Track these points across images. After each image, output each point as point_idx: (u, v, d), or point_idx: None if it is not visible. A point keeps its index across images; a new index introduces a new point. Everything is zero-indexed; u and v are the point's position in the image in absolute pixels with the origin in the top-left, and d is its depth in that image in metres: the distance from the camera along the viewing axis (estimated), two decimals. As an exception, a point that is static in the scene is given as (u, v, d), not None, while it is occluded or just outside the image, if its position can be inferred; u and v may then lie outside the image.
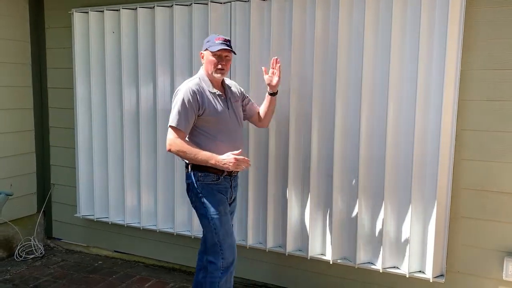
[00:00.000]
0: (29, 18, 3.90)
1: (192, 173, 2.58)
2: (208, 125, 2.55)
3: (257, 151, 3.15)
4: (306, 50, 2.96)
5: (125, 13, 3.46)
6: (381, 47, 2.76)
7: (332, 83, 2.89)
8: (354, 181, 2.91)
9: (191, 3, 3.20)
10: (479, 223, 2.70)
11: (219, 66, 2.56)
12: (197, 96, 2.51)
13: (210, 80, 2.61)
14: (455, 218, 2.75)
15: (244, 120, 2.86)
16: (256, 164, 3.16)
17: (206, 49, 2.59)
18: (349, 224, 2.97)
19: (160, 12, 3.33)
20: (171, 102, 2.62)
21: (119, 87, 3.56)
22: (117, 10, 3.50)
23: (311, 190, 3.01)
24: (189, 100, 2.48)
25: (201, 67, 2.66)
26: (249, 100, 2.88)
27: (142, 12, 3.39)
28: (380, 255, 2.87)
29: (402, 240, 2.85)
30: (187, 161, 2.59)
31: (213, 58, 2.56)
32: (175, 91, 2.59)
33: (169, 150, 2.53)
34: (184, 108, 2.48)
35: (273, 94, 2.80)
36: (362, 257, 2.95)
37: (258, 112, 2.88)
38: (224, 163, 2.46)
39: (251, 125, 3.10)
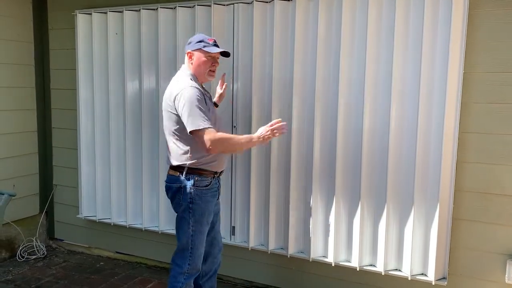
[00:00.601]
0: (32, 20, 3.92)
1: (186, 177, 2.50)
2: None
3: (259, 152, 3.15)
4: (308, 51, 2.96)
5: (128, 15, 3.47)
6: (384, 49, 2.76)
7: (335, 84, 2.89)
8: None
9: (194, 5, 3.21)
10: (481, 226, 2.70)
11: (212, 68, 2.51)
12: (202, 93, 2.43)
13: (198, 81, 2.55)
14: (457, 220, 2.74)
15: None
16: (258, 165, 3.16)
17: (199, 49, 2.49)
18: (351, 226, 2.97)
19: (163, 13, 3.33)
20: (170, 107, 2.48)
21: (122, 89, 3.57)
22: (120, 12, 3.51)
23: (313, 192, 3.00)
24: (199, 98, 2.39)
25: (185, 67, 2.55)
26: None
27: (145, 13, 3.40)
28: (382, 258, 2.87)
29: (404, 242, 2.84)
30: (184, 164, 2.49)
31: (207, 60, 2.49)
32: (177, 94, 2.42)
33: (211, 150, 2.36)
34: (200, 106, 2.37)
35: (216, 106, 2.87)
36: (364, 259, 2.95)
37: None
38: (266, 137, 2.41)
39: (254, 127, 3.10)
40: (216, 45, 2.52)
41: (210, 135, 2.35)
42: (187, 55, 2.55)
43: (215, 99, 2.89)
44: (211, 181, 2.54)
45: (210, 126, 2.37)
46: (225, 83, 2.91)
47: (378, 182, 2.85)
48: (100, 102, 3.67)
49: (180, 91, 2.42)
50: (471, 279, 2.75)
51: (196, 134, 2.38)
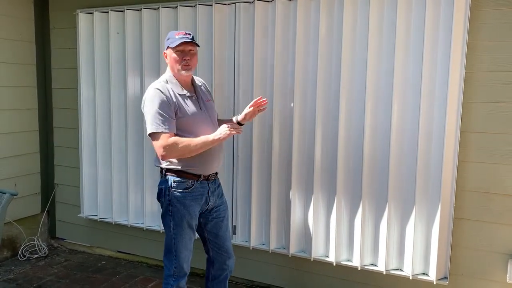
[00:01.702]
0: (34, 19, 3.92)
1: (166, 179, 2.47)
2: (181, 129, 2.39)
3: (260, 152, 3.15)
4: (309, 51, 2.96)
5: (129, 14, 3.47)
6: (386, 48, 2.76)
7: (336, 83, 2.89)
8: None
9: (196, 4, 3.21)
10: (483, 226, 2.69)
11: (184, 62, 2.40)
12: (167, 96, 2.36)
13: (178, 81, 2.47)
14: (459, 220, 2.74)
15: None
16: (259, 165, 3.16)
17: (168, 47, 2.44)
18: (353, 225, 2.97)
19: (164, 13, 3.33)
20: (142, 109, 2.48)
21: (124, 88, 3.57)
22: (121, 11, 3.51)
23: (314, 191, 3.01)
24: (162, 99, 2.34)
25: (167, 69, 2.52)
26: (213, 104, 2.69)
27: (146, 13, 3.40)
28: (384, 257, 2.87)
29: (406, 242, 2.84)
30: (162, 166, 2.46)
31: (176, 55, 2.41)
32: (143, 99, 2.44)
33: (164, 157, 2.35)
34: (161, 108, 2.33)
35: (240, 124, 2.63)
36: (365, 259, 2.95)
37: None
38: (222, 135, 2.35)
39: (255, 126, 3.11)
40: (184, 36, 2.41)
41: (162, 141, 2.31)
42: (164, 56, 2.51)
43: (239, 117, 2.64)
44: (193, 184, 2.46)
45: (164, 131, 2.31)
46: (261, 108, 2.63)
47: (379, 181, 2.85)
48: (102, 101, 3.68)
49: (146, 93, 2.44)
50: (472, 279, 2.75)
51: (151, 138, 2.36)
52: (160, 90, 2.38)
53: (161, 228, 3.53)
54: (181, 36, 2.42)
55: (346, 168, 2.93)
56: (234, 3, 3.12)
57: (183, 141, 2.35)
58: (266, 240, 3.22)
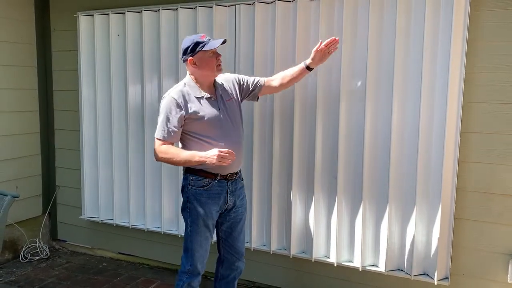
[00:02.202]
0: (35, 21, 3.92)
1: (185, 176, 2.55)
2: (200, 131, 2.46)
3: (261, 153, 3.16)
4: (310, 52, 2.93)
5: (130, 16, 3.48)
6: (386, 49, 2.76)
7: (336, 85, 2.89)
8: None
9: (196, 6, 3.22)
10: (484, 226, 2.70)
11: (217, 62, 2.47)
12: (180, 104, 2.42)
13: (200, 84, 2.50)
14: (459, 220, 2.74)
15: (256, 98, 2.77)
16: (260, 166, 3.17)
17: (198, 51, 2.42)
18: (353, 226, 2.97)
19: (165, 15, 3.34)
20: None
21: (124, 90, 3.57)
22: (122, 13, 3.51)
23: (315, 192, 3.01)
24: (171, 109, 2.42)
25: (187, 75, 2.54)
26: (249, 80, 2.71)
27: (147, 15, 3.41)
28: (385, 258, 2.87)
29: (407, 242, 2.84)
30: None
31: (213, 56, 2.45)
32: (162, 98, 2.52)
33: (157, 159, 2.51)
34: (168, 118, 2.42)
35: (309, 69, 2.64)
36: (366, 259, 2.95)
37: (268, 81, 2.73)
38: (208, 158, 2.35)
39: (255, 129, 3.11)
40: (210, 39, 2.47)
41: (156, 146, 2.47)
42: (189, 62, 2.48)
43: (307, 61, 2.62)
44: (210, 183, 2.50)
45: (162, 139, 2.45)
46: (332, 47, 2.59)
47: (380, 182, 2.85)
48: (103, 103, 3.68)
49: (163, 98, 2.52)
50: (473, 279, 2.75)
51: (155, 141, 2.50)
52: (175, 99, 2.44)
53: (162, 229, 3.54)
54: (207, 38, 2.45)
55: (347, 168, 2.93)
56: (234, 4, 3.12)
57: (170, 153, 2.45)
58: (267, 241, 3.23)
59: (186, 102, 2.45)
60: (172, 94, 2.47)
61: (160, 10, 3.33)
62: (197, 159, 2.40)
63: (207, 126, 2.47)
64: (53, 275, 3.63)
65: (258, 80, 2.74)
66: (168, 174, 3.45)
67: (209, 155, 2.37)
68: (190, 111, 2.44)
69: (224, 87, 2.61)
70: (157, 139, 2.47)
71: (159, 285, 3.46)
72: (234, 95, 2.63)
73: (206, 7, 3.20)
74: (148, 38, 3.43)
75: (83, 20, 3.67)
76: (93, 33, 3.64)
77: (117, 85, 3.60)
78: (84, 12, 3.67)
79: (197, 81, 2.51)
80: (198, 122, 2.45)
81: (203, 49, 2.42)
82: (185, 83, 2.51)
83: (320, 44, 2.59)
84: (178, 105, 2.43)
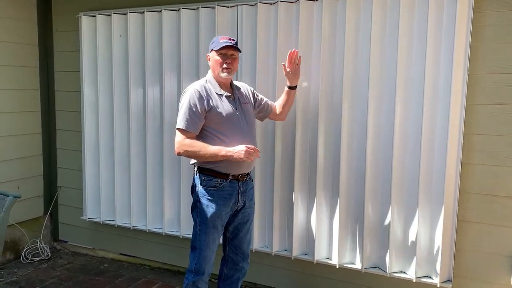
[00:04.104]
0: (37, 22, 3.93)
1: (196, 176, 2.57)
2: (216, 127, 2.50)
3: (263, 154, 3.15)
4: (312, 53, 2.96)
5: (132, 17, 3.48)
6: (388, 51, 2.76)
7: (338, 86, 2.89)
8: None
9: (198, 7, 3.22)
10: (487, 228, 2.68)
11: (225, 65, 2.52)
12: (203, 97, 2.48)
13: (218, 82, 2.57)
14: (462, 222, 2.73)
15: (262, 119, 2.87)
16: (262, 167, 3.16)
17: (212, 50, 2.57)
18: (356, 228, 2.96)
19: (167, 16, 3.34)
20: (178, 103, 2.62)
21: (126, 90, 3.57)
22: (124, 14, 3.51)
23: (317, 194, 3.00)
24: (194, 101, 2.46)
25: (209, 71, 2.64)
26: (263, 99, 2.83)
27: (149, 16, 3.41)
28: (387, 260, 2.86)
29: (409, 244, 2.83)
30: (195, 163, 2.56)
31: (219, 58, 2.53)
32: (182, 93, 2.58)
33: (179, 153, 2.48)
34: (191, 109, 2.45)
35: (293, 88, 2.78)
36: (368, 261, 2.94)
37: (275, 107, 2.86)
38: (236, 152, 2.40)
39: (258, 130, 3.10)
40: (228, 41, 2.52)
41: (180, 139, 2.46)
42: (207, 58, 2.64)
43: (287, 84, 2.77)
44: (221, 183, 2.52)
45: (187, 130, 2.44)
46: (295, 60, 2.69)
47: (382, 184, 2.84)
48: (104, 104, 3.68)
49: (184, 90, 2.58)
50: (476, 282, 2.74)
51: (176, 133, 2.49)
52: (198, 91, 2.49)
53: (163, 230, 3.53)
54: (225, 40, 2.53)
55: (349, 170, 2.92)
56: (237, 5, 3.12)
57: (196, 146, 2.44)
58: (269, 242, 3.22)
59: (208, 96, 2.50)
60: (195, 86, 2.52)
61: (162, 11, 3.33)
62: (224, 153, 2.42)
63: (224, 123, 2.51)
64: (54, 275, 3.63)
65: (269, 102, 2.85)
66: (170, 174, 3.45)
67: (237, 150, 2.40)
68: (211, 104, 2.49)
69: (241, 91, 2.70)
70: (180, 130, 2.46)
71: (160, 286, 3.45)
72: (251, 100, 2.72)
73: (209, 8, 3.20)
74: (150, 39, 3.42)
75: (85, 21, 3.67)
76: (95, 33, 3.64)
77: (119, 85, 3.60)
78: (86, 13, 3.67)
79: (216, 79, 2.58)
80: (216, 117, 2.49)
81: (214, 49, 2.55)
82: (206, 80, 2.58)
83: (285, 68, 2.70)
84: (201, 98, 2.47)
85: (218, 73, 2.54)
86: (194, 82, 2.64)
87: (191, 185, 2.65)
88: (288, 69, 2.70)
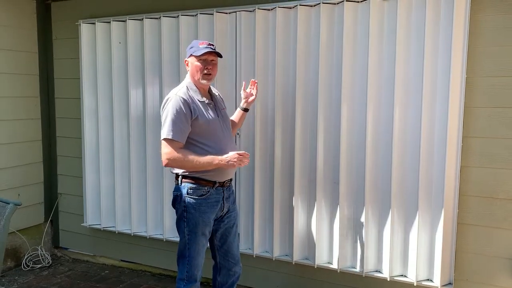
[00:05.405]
0: (37, 29, 3.95)
1: (182, 186, 2.49)
2: (199, 135, 2.44)
3: (263, 159, 3.16)
4: (311, 58, 2.97)
5: (131, 24, 3.50)
6: (386, 55, 2.77)
7: (337, 90, 2.90)
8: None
9: (197, 14, 3.23)
10: (487, 231, 2.69)
11: (205, 71, 2.46)
12: (189, 104, 2.41)
13: (198, 88, 2.52)
14: (462, 225, 2.73)
15: None
16: (262, 172, 3.17)
17: (191, 55, 2.50)
18: (356, 232, 2.96)
19: (166, 22, 3.36)
20: (160, 113, 2.52)
21: (126, 97, 3.59)
22: (123, 21, 3.53)
23: (317, 198, 3.00)
24: (181, 109, 2.38)
25: (186, 76, 2.57)
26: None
27: (148, 22, 3.42)
28: (388, 263, 2.86)
29: (410, 248, 2.83)
30: (179, 172, 2.49)
31: (199, 64, 2.46)
32: (164, 102, 2.47)
33: (167, 165, 2.42)
34: (178, 118, 2.37)
35: (246, 110, 2.84)
36: (369, 265, 2.94)
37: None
38: (228, 161, 2.38)
39: (256, 135, 3.11)
40: (208, 47, 2.47)
41: (169, 150, 2.38)
42: (185, 63, 2.57)
43: (242, 104, 2.84)
44: (208, 191, 2.49)
45: (177, 140, 2.37)
46: (253, 86, 2.84)
47: (382, 187, 2.85)
48: (104, 111, 3.69)
49: (166, 99, 2.48)
50: (477, 284, 2.74)
51: (162, 143, 2.41)
52: (184, 98, 2.42)
53: (164, 236, 3.53)
54: (205, 45, 2.48)
55: (349, 174, 2.93)
56: (235, 11, 3.14)
57: (189, 156, 2.38)
58: (270, 247, 3.22)
59: (193, 104, 2.45)
60: (179, 94, 2.44)
61: (161, 17, 3.35)
62: (217, 162, 2.39)
63: (207, 131, 2.47)
64: (55, 283, 3.63)
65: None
66: (170, 181, 3.44)
67: (229, 157, 2.39)
68: (197, 113, 2.44)
69: (218, 97, 2.67)
70: (167, 140, 2.38)
71: (162, 293, 3.45)
72: (225, 106, 2.71)
73: (207, 14, 3.21)
74: (149, 45, 3.44)
75: (84, 28, 3.69)
76: (95, 41, 3.66)
77: (118, 92, 3.61)
78: (85, 20, 3.69)
79: (195, 85, 2.53)
80: (201, 125, 2.44)
81: (193, 54, 2.49)
82: (187, 87, 2.50)
83: (247, 101, 2.82)
84: (187, 105, 2.41)
85: (198, 79, 2.48)
86: (174, 88, 2.55)
87: (174, 195, 2.55)
88: (250, 100, 2.80)
